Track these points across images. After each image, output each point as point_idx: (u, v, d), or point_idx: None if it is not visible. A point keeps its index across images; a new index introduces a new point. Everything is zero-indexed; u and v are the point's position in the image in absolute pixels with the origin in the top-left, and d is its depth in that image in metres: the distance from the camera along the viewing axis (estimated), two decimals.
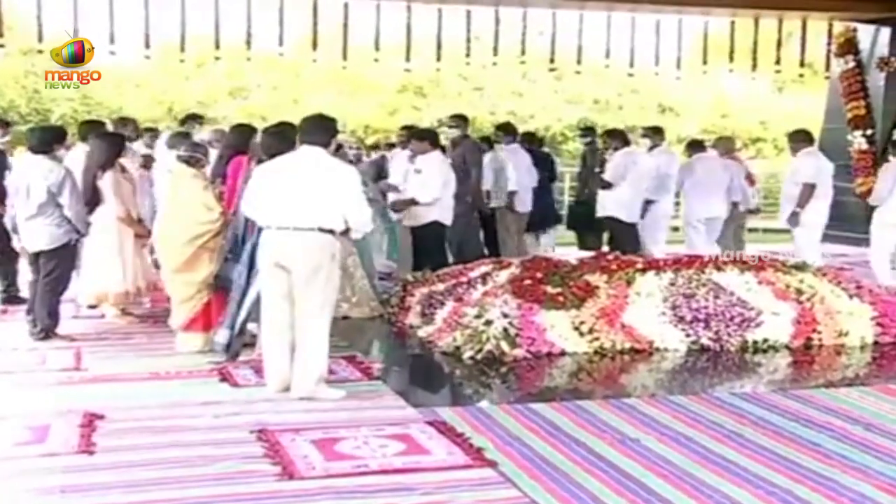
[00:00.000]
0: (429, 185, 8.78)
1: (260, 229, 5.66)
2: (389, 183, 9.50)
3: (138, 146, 9.82)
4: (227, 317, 6.11)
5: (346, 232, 5.59)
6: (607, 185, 9.88)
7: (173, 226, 6.66)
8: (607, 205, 9.95)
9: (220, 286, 6.42)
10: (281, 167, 5.63)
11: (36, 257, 6.98)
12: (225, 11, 11.99)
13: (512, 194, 10.31)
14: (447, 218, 8.99)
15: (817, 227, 9.62)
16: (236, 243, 6.29)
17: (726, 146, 10.82)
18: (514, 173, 10.30)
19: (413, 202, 8.89)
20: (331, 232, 5.45)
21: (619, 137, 10.35)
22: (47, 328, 6.91)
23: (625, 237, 9.91)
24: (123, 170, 7.70)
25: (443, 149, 9.53)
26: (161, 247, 6.83)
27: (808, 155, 9.66)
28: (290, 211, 5.42)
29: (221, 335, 6.08)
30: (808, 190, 9.44)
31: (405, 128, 10.80)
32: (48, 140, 7.01)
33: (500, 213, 10.41)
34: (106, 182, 7.34)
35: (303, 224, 5.38)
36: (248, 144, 7.51)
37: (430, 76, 23.67)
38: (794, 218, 9.55)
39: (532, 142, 11.19)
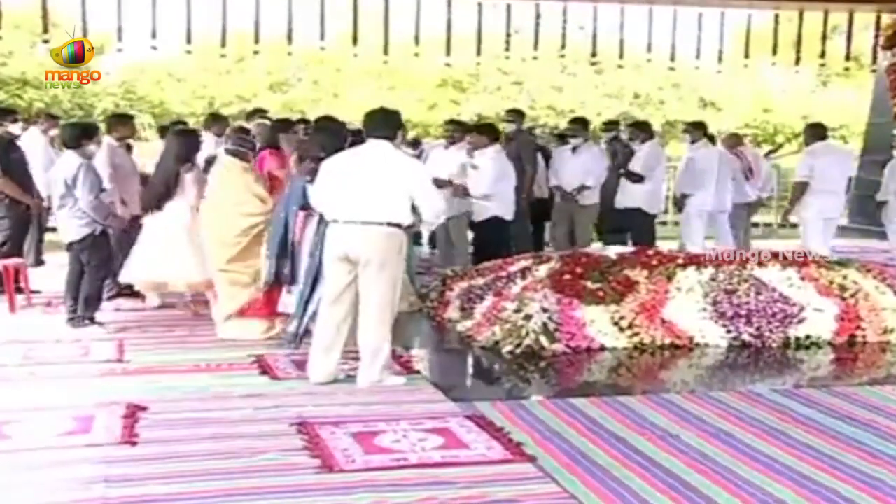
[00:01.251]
0: (482, 180, 8.79)
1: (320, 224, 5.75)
2: (438, 178, 9.43)
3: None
4: (296, 308, 6.23)
5: (409, 227, 5.65)
6: (639, 178, 9.91)
7: (224, 218, 6.77)
8: (635, 195, 10.00)
9: (277, 282, 6.51)
10: (348, 162, 5.67)
11: (69, 247, 7.23)
12: (266, 6, 12.05)
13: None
14: (508, 213, 8.99)
15: (817, 223, 9.65)
16: (285, 241, 6.33)
17: (730, 142, 11.26)
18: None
19: (467, 193, 8.89)
20: (398, 226, 5.51)
21: (646, 130, 10.54)
22: (85, 315, 7.10)
23: (645, 228, 10.01)
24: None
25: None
26: (211, 238, 6.90)
27: (809, 152, 9.77)
28: (358, 205, 5.47)
29: (293, 325, 6.23)
30: (799, 187, 9.59)
31: (450, 122, 10.68)
32: (76, 135, 7.23)
33: (582, 208, 10.06)
34: (190, 175, 7.53)
35: (372, 218, 5.44)
36: (276, 139, 7.60)
37: (469, 70, 23.60)
38: (786, 215, 10.00)
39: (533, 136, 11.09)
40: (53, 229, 8.26)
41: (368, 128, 5.76)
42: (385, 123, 5.72)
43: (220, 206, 6.82)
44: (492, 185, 8.86)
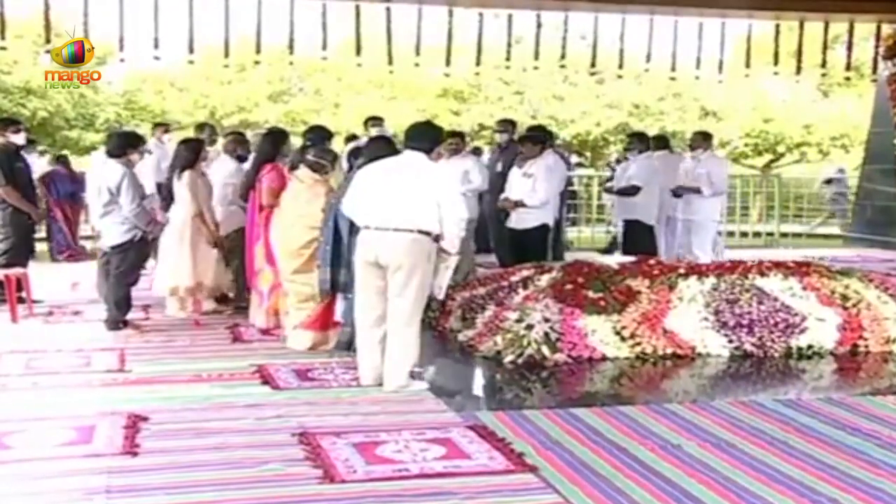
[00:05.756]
0: (539, 189, 8.79)
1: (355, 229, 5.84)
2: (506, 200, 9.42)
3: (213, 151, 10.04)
4: (346, 315, 6.31)
5: (437, 238, 5.69)
6: (635, 191, 9.90)
7: (292, 229, 6.83)
8: (635, 208, 10.02)
9: (333, 289, 6.49)
10: (382, 170, 5.81)
11: (104, 253, 7.54)
12: (267, 15, 12.07)
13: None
14: (552, 220, 9.01)
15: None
16: (339, 250, 6.31)
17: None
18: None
19: (520, 204, 8.87)
20: (428, 234, 5.60)
21: (644, 141, 10.57)
22: (116, 319, 7.33)
23: (644, 239, 10.01)
24: (202, 174, 8.03)
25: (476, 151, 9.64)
26: (281, 250, 6.97)
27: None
28: (390, 212, 5.61)
29: (345, 333, 6.33)
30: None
31: (453, 133, 10.40)
32: (122, 144, 7.52)
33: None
34: (182, 182, 7.72)
35: (402, 225, 5.57)
36: (276, 151, 7.61)
37: (470, 80, 23.62)
38: None
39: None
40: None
41: (407, 138, 5.93)
42: (423, 136, 5.91)
43: (288, 217, 6.89)
44: (551, 192, 8.92)
